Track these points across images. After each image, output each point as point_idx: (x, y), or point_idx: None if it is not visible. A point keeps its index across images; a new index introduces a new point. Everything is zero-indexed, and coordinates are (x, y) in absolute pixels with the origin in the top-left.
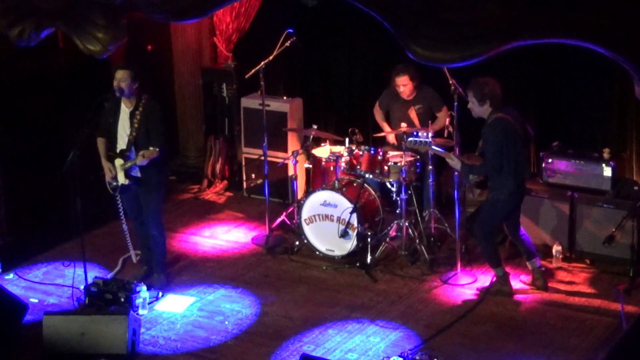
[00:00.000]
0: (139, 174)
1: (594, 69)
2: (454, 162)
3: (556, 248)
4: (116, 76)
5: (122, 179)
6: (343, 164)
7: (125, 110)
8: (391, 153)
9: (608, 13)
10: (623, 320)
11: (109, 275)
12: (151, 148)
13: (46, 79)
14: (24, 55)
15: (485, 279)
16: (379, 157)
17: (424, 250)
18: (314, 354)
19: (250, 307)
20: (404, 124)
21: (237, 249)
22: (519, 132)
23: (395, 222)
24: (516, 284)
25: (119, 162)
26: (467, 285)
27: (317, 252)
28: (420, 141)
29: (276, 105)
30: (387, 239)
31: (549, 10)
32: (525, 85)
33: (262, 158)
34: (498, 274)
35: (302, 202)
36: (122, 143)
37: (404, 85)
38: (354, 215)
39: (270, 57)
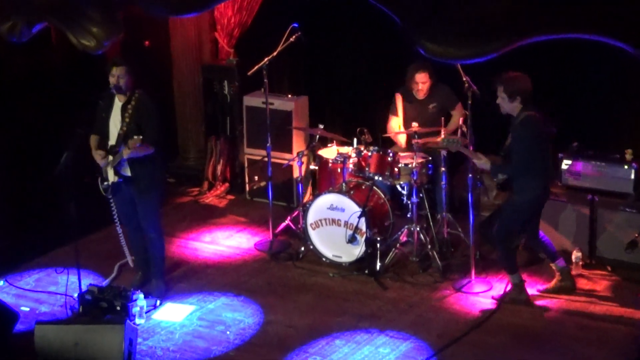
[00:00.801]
0: (128, 173)
1: (615, 65)
2: (482, 161)
3: (576, 254)
4: (113, 73)
5: (111, 177)
6: (351, 166)
7: (117, 104)
8: (402, 154)
9: (629, 7)
10: None
11: (104, 283)
12: (135, 137)
13: (38, 76)
14: (15, 51)
15: (501, 286)
16: (389, 159)
17: (436, 257)
18: None
19: (253, 316)
20: (415, 124)
21: (239, 255)
22: (546, 131)
23: (406, 226)
24: (532, 291)
25: (109, 158)
26: (482, 293)
27: (324, 259)
28: (452, 140)
29: (280, 103)
30: (398, 245)
31: (568, 5)
32: (542, 83)
33: (266, 159)
34: (514, 281)
35: (307, 205)
36: (112, 139)
37: (423, 82)
38: (363, 220)
39: (274, 53)
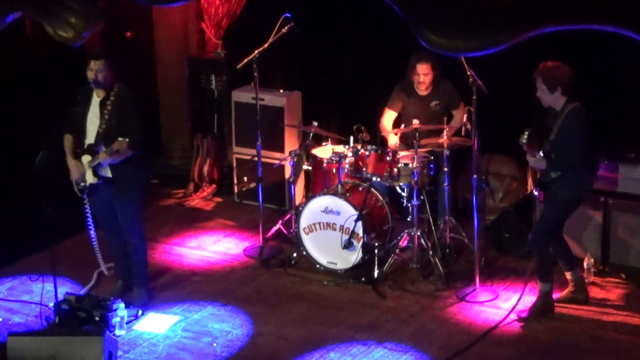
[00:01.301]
0: (109, 174)
1: (630, 59)
2: (535, 159)
3: (588, 261)
4: (91, 67)
5: (90, 178)
6: (347, 166)
7: (96, 100)
8: (401, 153)
9: None
10: None
11: (82, 291)
12: (120, 139)
13: (12, 70)
14: None
15: (508, 295)
16: (388, 158)
17: (438, 263)
18: None
19: (241, 327)
20: (416, 121)
21: (227, 261)
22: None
23: (406, 231)
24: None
25: (86, 159)
26: (487, 302)
27: (318, 265)
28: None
29: (271, 99)
30: (397, 251)
31: None
32: None
33: (256, 159)
34: (544, 289)
35: (300, 208)
36: (91, 137)
37: (425, 74)
38: (359, 224)
39: (265, 45)
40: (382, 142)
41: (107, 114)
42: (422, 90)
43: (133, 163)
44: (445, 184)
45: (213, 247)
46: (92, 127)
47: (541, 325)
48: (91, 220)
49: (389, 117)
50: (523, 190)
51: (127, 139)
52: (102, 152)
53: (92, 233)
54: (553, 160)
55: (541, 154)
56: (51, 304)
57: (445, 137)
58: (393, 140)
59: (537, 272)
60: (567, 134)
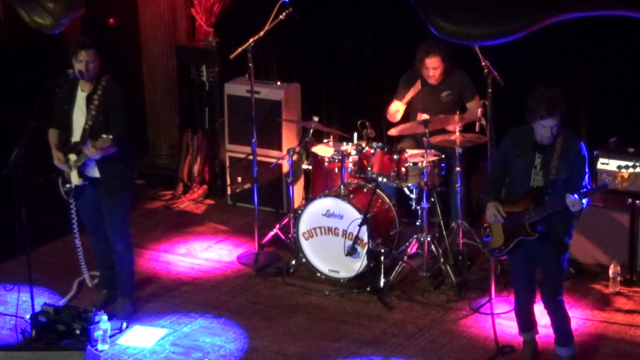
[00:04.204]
0: (97, 174)
1: None
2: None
3: (613, 269)
4: (81, 58)
5: (75, 179)
6: (350, 165)
7: (81, 94)
8: (410, 152)
9: None
10: None
11: (62, 302)
12: (104, 136)
13: None
14: None
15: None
16: (395, 157)
17: (450, 272)
18: None
19: (235, 341)
20: (425, 115)
21: (220, 269)
22: None
23: (415, 236)
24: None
25: (72, 157)
26: (504, 314)
27: (318, 274)
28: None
29: (268, 92)
30: (405, 258)
31: None
32: (574, 68)
33: (251, 157)
34: (574, 351)
35: (299, 211)
36: (77, 134)
37: (435, 68)
38: (364, 229)
39: (261, 33)
40: (388, 139)
41: (93, 110)
42: (434, 82)
43: (121, 162)
44: (458, 184)
45: (204, 254)
46: (78, 124)
47: None
48: (76, 225)
49: (395, 106)
50: None
51: (111, 136)
52: (86, 149)
53: (78, 241)
54: (582, 193)
55: (575, 196)
56: (27, 316)
57: (457, 133)
58: (399, 114)
59: (568, 332)
60: (579, 163)
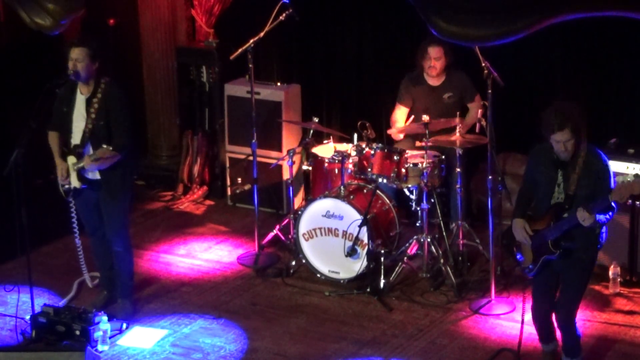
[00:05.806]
0: (97, 176)
1: None
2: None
3: (613, 270)
4: (71, 56)
5: (74, 182)
6: (350, 166)
7: (81, 97)
8: (410, 152)
9: None
10: None
11: (62, 303)
12: (104, 146)
13: None
14: None
15: (526, 307)
16: (395, 158)
17: (450, 272)
18: None
19: (235, 342)
20: (425, 117)
21: (220, 270)
22: None
23: (415, 237)
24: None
25: (71, 160)
26: (504, 315)
27: (318, 275)
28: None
29: (268, 93)
30: (405, 259)
31: None
32: (574, 69)
33: (251, 158)
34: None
35: (299, 212)
36: (77, 137)
37: (437, 58)
38: (364, 229)
39: (261, 34)
40: (388, 140)
41: (93, 113)
42: (433, 78)
43: (122, 164)
44: (458, 185)
45: (204, 255)
46: (78, 127)
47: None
48: (76, 225)
49: (400, 114)
50: None
51: (111, 148)
52: (86, 157)
53: (77, 240)
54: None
55: (585, 211)
56: (27, 317)
57: (457, 134)
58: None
59: (569, 351)
60: (602, 177)
